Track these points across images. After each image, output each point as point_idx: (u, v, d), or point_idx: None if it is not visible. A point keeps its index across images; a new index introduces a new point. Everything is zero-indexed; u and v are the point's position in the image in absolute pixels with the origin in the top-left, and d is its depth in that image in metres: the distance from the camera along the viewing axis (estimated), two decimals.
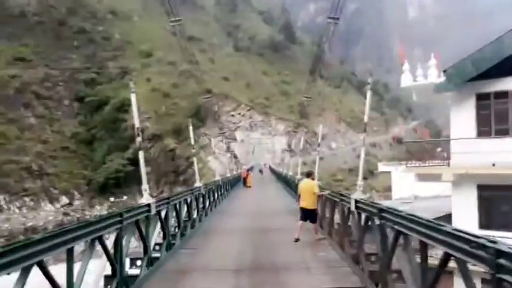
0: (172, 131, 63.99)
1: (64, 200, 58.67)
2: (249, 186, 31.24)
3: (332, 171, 68.08)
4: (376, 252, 8.11)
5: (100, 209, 58.27)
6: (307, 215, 10.05)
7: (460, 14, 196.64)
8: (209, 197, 15.66)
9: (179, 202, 10.39)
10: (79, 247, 4.61)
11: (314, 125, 77.44)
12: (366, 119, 7.68)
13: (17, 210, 54.98)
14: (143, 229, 7.45)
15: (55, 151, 63.83)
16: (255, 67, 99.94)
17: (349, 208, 8.11)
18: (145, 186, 7.47)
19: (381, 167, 29.77)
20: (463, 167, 12.79)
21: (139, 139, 7.44)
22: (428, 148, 17.69)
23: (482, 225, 12.70)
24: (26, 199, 57.05)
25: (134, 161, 63.84)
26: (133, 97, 7.45)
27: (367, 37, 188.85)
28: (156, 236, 9.08)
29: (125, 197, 59.62)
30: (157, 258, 8.34)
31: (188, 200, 11.48)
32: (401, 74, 14.48)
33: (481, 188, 13.01)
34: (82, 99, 72.12)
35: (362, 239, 7.28)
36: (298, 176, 19.42)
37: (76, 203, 59.62)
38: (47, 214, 55.84)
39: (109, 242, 5.80)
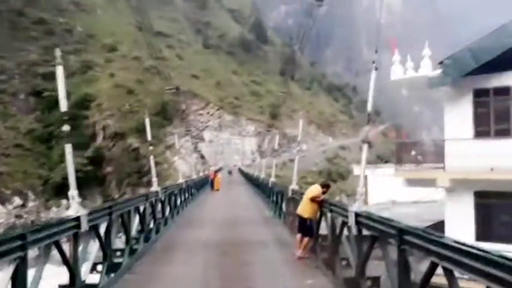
0: (136, 129, 60.89)
1: (17, 201, 54.62)
2: (217, 189, 29.17)
3: (302, 174, 67.05)
4: (377, 276, 6.61)
5: (57, 211, 54.79)
6: (300, 224, 8.18)
7: (427, 19, 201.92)
8: (169, 203, 13.56)
9: (128, 211, 8.33)
10: None
11: (285, 127, 76.36)
12: (369, 107, 5.95)
13: None
14: (68, 252, 5.40)
15: (8, 148, 59.50)
16: (225, 66, 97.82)
17: (344, 222, 6.37)
18: (72, 192, 5.40)
19: (356, 169, 28.39)
20: (459, 171, 11.37)
21: (66, 127, 5.38)
22: (395, 152, 16.25)
23: (479, 237, 11.31)
24: None
25: (95, 161, 60.64)
26: (59, 70, 5.39)
27: (337, 40, 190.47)
28: (93, 256, 7.03)
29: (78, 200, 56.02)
30: (93, 287, 6.30)
31: (141, 208, 9.39)
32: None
33: (478, 195, 11.65)
34: (39, 93, 67.58)
35: (364, 265, 5.56)
36: (272, 179, 17.61)
37: (30, 204, 55.70)
38: None
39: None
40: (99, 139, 64.06)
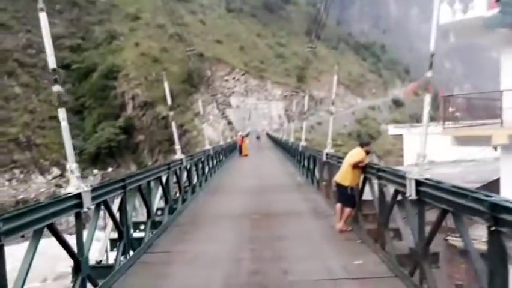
0: (164, 97, 60.57)
1: (56, 171, 56.48)
2: (246, 155, 28.45)
3: (331, 136, 65.26)
4: (436, 251, 5.51)
5: (93, 180, 56.30)
6: (340, 193, 7.15)
7: None
8: (197, 171, 12.81)
9: (148, 183, 7.51)
10: None
11: (312, 89, 74.06)
12: (432, 47, 4.68)
13: (6, 183, 53.24)
14: (70, 235, 4.59)
15: (43, 121, 60.96)
16: (249, 29, 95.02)
17: (398, 191, 5.24)
18: (71, 165, 4.52)
19: (392, 129, 26.92)
20: None
21: (56, 88, 4.43)
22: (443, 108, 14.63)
23: None
24: (16, 171, 55.34)
25: (127, 130, 61.31)
26: (42, 17, 4.41)
27: None
28: (109, 234, 6.29)
29: (110, 169, 56.90)
30: (109, 268, 5.54)
31: (164, 179, 8.59)
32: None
33: None
34: (68, 66, 67.97)
35: (427, 245, 4.45)
36: (303, 143, 16.56)
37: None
38: (39, 186, 54.46)
39: None
40: (129, 109, 64.45)
